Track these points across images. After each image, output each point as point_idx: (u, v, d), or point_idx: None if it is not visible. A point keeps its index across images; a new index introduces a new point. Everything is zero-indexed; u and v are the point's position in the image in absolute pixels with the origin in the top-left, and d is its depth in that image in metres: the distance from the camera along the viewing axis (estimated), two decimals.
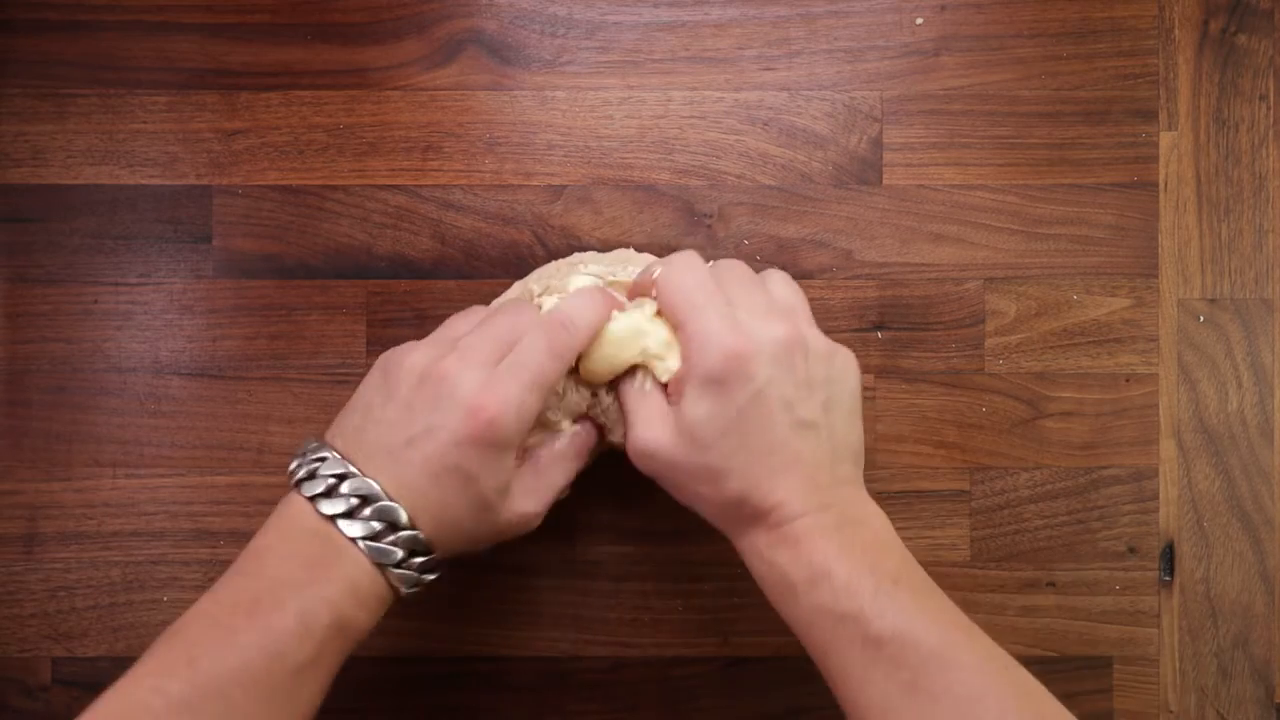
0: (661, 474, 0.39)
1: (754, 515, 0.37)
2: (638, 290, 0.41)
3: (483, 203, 0.47)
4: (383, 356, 0.39)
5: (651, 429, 0.38)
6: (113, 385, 0.46)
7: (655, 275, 0.39)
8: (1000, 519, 0.46)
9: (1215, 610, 0.46)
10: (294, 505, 0.36)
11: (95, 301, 0.46)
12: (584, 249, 0.46)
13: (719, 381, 0.37)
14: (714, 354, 0.37)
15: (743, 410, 0.37)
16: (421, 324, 0.46)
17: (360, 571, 0.36)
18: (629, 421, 0.39)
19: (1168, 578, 0.46)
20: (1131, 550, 0.46)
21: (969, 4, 0.47)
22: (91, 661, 0.46)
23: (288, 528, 0.36)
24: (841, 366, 0.39)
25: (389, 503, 0.36)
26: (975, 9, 0.47)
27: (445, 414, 0.36)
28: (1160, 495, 0.47)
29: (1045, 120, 0.47)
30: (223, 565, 0.46)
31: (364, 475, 0.36)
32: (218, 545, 0.46)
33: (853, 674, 0.34)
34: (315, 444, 0.38)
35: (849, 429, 0.39)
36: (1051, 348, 0.47)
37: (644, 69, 0.47)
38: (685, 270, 0.39)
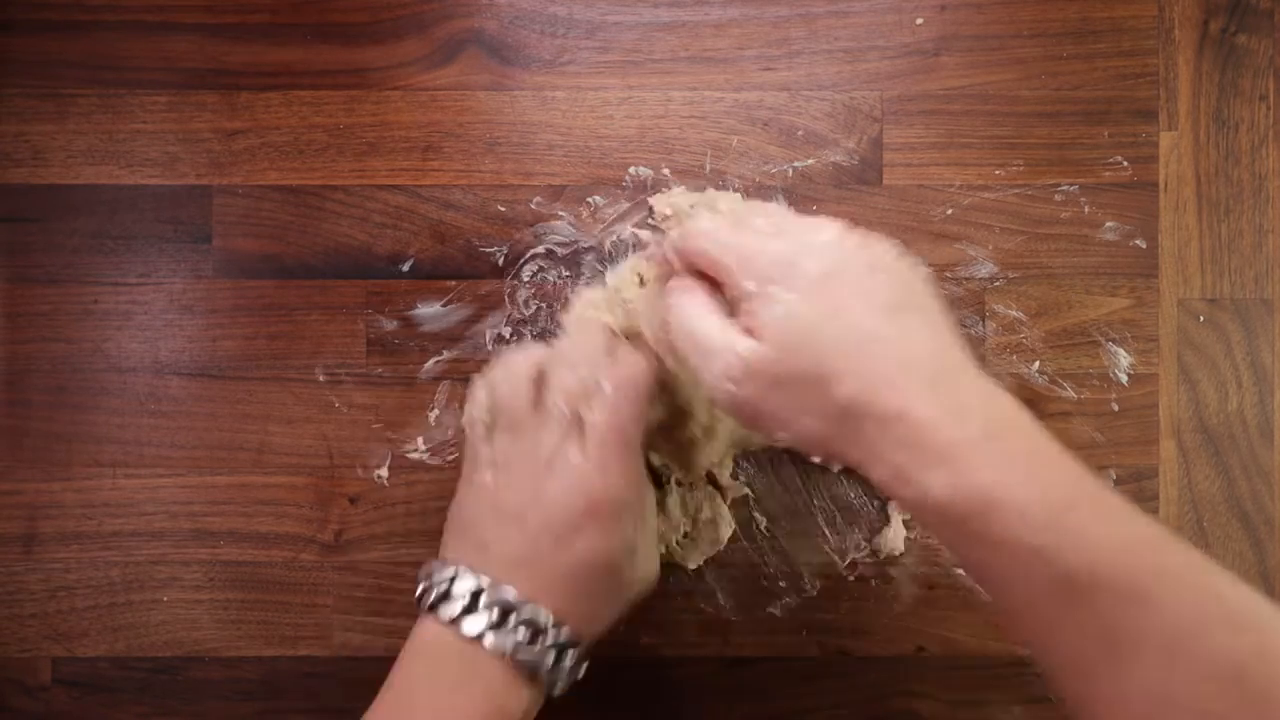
0: (758, 401, 0.33)
1: (879, 427, 0.31)
2: (663, 268, 0.39)
3: (483, 203, 0.47)
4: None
5: (732, 350, 0.34)
6: (113, 385, 0.46)
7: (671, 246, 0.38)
8: None
9: None
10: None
11: (95, 301, 0.46)
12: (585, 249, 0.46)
13: (780, 277, 0.33)
14: (765, 255, 0.34)
15: (820, 297, 0.33)
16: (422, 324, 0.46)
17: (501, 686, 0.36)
18: (699, 360, 0.35)
19: None
20: None
21: (969, 4, 0.47)
22: (91, 661, 0.46)
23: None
24: (900, 254, 0.35)
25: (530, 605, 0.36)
26: (975, 9, 0.47)
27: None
28: (1160, 495, 0.46)
29: (1045, 120, 0.47)
30: (222, 565, 0.46)
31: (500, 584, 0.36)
32: (217, 545, 0.46)
33: (1039, 621, 0.29)
34: (441, 564, 0.38)
35: (941, 308, 0.34)
36: (1051, 348, 0.47)
37: (644, 69, 0.47)
38: (704, 226, 0.37)
